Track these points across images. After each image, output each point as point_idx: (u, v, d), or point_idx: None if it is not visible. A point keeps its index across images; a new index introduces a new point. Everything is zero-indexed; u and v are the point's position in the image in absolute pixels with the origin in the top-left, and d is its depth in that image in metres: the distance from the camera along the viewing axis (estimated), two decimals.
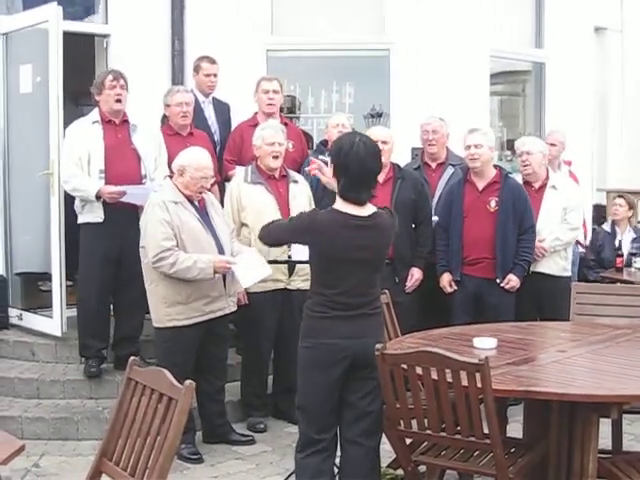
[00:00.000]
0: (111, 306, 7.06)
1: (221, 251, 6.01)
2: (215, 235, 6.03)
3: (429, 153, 7.47)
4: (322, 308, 4.61)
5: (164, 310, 5.95)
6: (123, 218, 6.61)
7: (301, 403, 4.76)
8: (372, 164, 4.55)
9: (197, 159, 5.97)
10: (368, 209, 4.60)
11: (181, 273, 5.81)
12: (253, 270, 6.01)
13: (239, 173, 6.78)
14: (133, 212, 6.61)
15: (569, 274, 7.32)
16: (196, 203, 6.02)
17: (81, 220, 6.78)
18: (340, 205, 4.59)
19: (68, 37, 7.28)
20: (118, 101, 6.68)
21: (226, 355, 6.48)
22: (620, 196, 9.10)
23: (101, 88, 6.69)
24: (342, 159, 4.54)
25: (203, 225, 5.98)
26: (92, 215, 6.66)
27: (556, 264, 7.12)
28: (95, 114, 6.76)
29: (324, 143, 7.39)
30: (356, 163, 4.49)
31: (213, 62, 7.66)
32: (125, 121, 6.80)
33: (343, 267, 4.54)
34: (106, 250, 6.68)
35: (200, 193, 5.99)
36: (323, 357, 4.59)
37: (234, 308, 6.24)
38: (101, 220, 6.64)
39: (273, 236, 4.89)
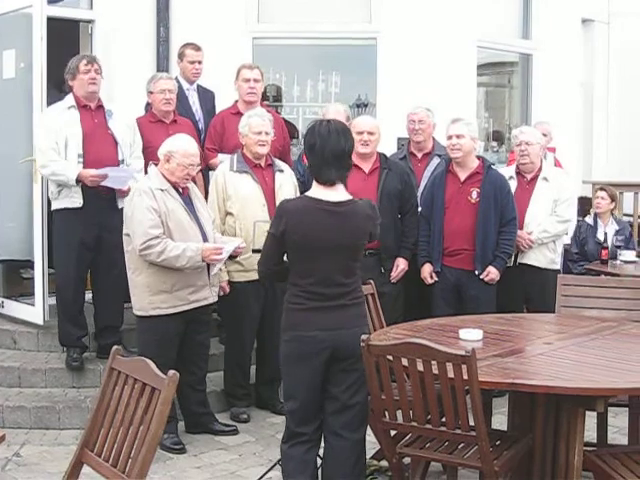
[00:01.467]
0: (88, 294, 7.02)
1: (205, 240, 5.98)
2: (199, 224, 6.00)
3: (415, 143, 7.44)
4: (299, 299, 4.58)
5: (148, 298, 5.91)
6: (102, 204, 6.57)
7: (285, 396, 4.76)
8: (338, 142, 4.53)
9: (184, 146, 5.94)
10: (341, 195, 4.58)
11: (169, 261, 5.78)
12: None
13: (225, 162, 6.73)
14: (111, 197, 6.59)
15: (557, 267, 7.32)
16: (180, 190, 5.98)
17: (56, 206, 6.71)
18: (312, 191, 4.60)
19: (52, 22, 7.21)
20: (93, 83, 6.62)
21: (208, 344, 6.46)
22: (602, 189, 9.10)
23: (75, 73, 6.61)
24: (308, 140, 4.60)
25: (189, 213, 5.95)
26: (70, 200, 6.58)
27: (544, 256, 7.11)
28: (70, 99, 6.68)
29: None
30: (321, 141, 4.51)
31: (198, 49, 7.60)
32: (100, 106, 6.75)
33: (315, 254, 4.50)
34: (84, 236, 6.63)
35: (186, 180, 5.95)
36: (303, 350, 4.57)
37: (216, 298, 6.22)
38: (80, 205, 6.57)
39: (264, 258, 4.73)
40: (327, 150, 4.52)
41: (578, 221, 9.57)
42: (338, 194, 4.57)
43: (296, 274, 4.61)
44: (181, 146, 5.93)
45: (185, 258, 5.76)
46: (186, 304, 5.95)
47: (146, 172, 6.52)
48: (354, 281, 4.67)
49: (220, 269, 6.15)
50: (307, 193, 4.65)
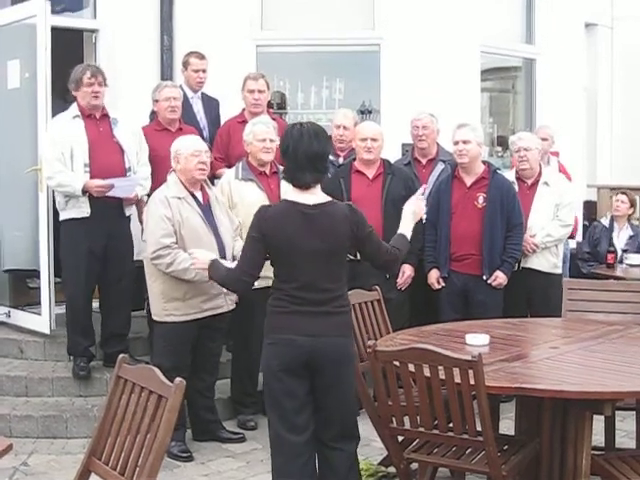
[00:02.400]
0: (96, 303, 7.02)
1: (222, 250, 5.97)
2: (217, 233, 6.01)
3: (419, 149, 7.44)
4: (281, 303, 4.51)
5: (162, 305, 5.95)
6: (109, 213, 6.60)
7: (268, 401, 4.62)
8: (310, 144, 4.46)
9: (186, 140, 6.06)
10: (320, 197, 4.54)
11: (177, 274, 5.82)
12: None
13: (230, 170, 6.74)
14: (118, 205, 6.61)
15: (560, 271, 7.31)
16: (200, 199, 6.01)
17: (64, 216, 6.72)
18: (289, 194, 4.57)
19: (56, 32, 7.24)
20: (96, 97, 6.63)
21: (220, 352, 6.49)
22: (623, 192, 9.10)
23: (79, 84, 6.62)
24: (281, 144, 4.59)
25: (205, 222, 5.96)
26: (77, 210, 6.60)
27: (547, 260, 7.11)
28: (74, 109, 6.70)
29: None
30: (292, 144, 4.47)
31: (202, 57, 7.61)
32: (105, 115, 6.76)
33: (296, 258, 4.45)
34: (92, 246, 6.64)
35: (202, 172, 5.96)
36: (283, 353, 4.47)
37: (232, 307, 6.20)
38: (87, 215, 6.58)
39: (246, 263, 4.60)
40: (300, 153, 4.45)
41: (585, 224, 9.59)
42: (315, 197, 4.52)
43: (279, 279, 4.55)
44: (183, 141, 6.05)
45: (193, 272, 5.75)
46: (199, 312, 5.97)
47: (153, 179, 6.55)
48: (339, 287, 4.57)
49: None
50: (285, 197, 4.62)
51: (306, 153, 4.45)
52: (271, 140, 6.50)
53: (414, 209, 4.99)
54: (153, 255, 5.82)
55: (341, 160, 7.27)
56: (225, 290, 5.95)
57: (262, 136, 6.48)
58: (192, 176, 5.94)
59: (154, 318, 6.08)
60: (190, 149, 5.95)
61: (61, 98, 7.37)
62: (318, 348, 4.43)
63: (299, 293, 4.46)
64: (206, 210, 6.03)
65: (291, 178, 4.54)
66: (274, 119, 7.03)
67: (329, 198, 4.58)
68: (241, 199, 6.44)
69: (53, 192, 6.91)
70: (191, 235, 5.87)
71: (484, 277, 6.71)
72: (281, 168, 6.63)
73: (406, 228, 4.92)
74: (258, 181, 6.51)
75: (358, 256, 4.82)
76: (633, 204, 9.05)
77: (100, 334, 6.98)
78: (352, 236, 4.54)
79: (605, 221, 9.09)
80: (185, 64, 7.66)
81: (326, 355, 4.44)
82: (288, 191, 4.65)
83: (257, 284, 6.35)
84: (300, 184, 4.50)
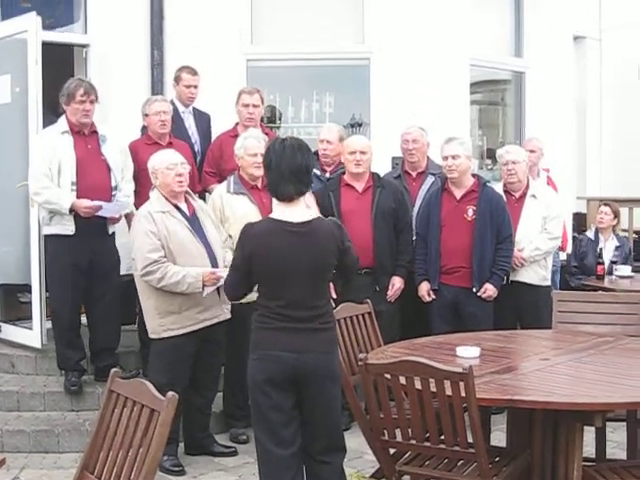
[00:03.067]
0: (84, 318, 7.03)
1: (213, 259, 5.99)
2: (207, 243, 6.02)
3: (409, 162, 7.46)
4: (266, 319, 4.52)
5: (158, 321, 5.94)
6: (93, 230, 6.60)
7: (254, 416, 4.63)
8: (294, 157, 4.50)
9: (160, 156, 6.06)
10: (304, 215, 4.55)
11: (170, 287, 5.81)
12: None
13: (221, 184, 6.75)
14: (102, 223, 6.64)
15: (549, 283, 7.33)
16: (185, 211, 6.01)
17: (48, 232, 6.73)
18: (274, 212, 4.58)
19: (47, 47, 7.25)
20: (86, 116, 6.64)
21: (220, 366, 6.48)
22: (606, 204, 9.13)
23: (70, 100, 6.62)
24: (264, 159, 4.64)
25: (193, 233, 5.96)
26: (62, 227, 6.60)
27: (536, 273, 7.13)
28: (63, 124, 6.70)
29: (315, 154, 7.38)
30: (275, 158, 4.50)
31: (194, 73, 7.61)
32: (94, 132, 6.76)
33: (282, 277, 4.46)
34: (77, 261, 6.63)
35: (180, 184, 5.95)
36: (269, 368, 4.49)
37: (229, 315, 6.19)
38: (72, 233, 6.58)
39: (231, 286, 4.74)
40: (283, 166, 4.48)
41: (574, 237, 9.61)
42: (300, 213, 4.53)
43: (264, 296, 4.56)
44: (158, 157, 6.04)
45: (185, 284, 5.77)
46: (195, 323, 5.96)
47: (142, 194, 6.54)
48: (324, 304, 4.60)
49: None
50: (270, 215, 4.62)
51: (289, 166, 4.48)
52: (262, 155, 6.50)
53: None
54: (143, 272, 5.81)
55: (327, 175, 7.27)
56: (220, 299, 5.97)
57: (253, 151, 6.49)
58: (171, 189, 5.94)
59: (151, 336, 6.04)
60: (164, 163, 5.95)
61: (52, 113, 7.38)
62: (303, 364, 4.45)
63: (285, 311, 4.48)
64: (193, 221, 6.03)
65: (274, 191, 4.56)
66: (267, 133, 7.05)
67: (314, 214, 4.62)
68: (233, 213, 6.46)
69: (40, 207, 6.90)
70: (179, 248, 5.87)
71: (474, 289, 6.73)
72: None
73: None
74: (250, 195, 6.52)
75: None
76: (617, 215, 9.08)
77: (89, 349, 6.97)
78: (337, 252, 4.58)
79: (590, 233, 9.12)
80: (177, 79, 7.66)
81: (311, 371, 4.46)
82: (273, 207, 4.66)
83: (250, 298, 6.42)
84: (284, 197, 4.52)
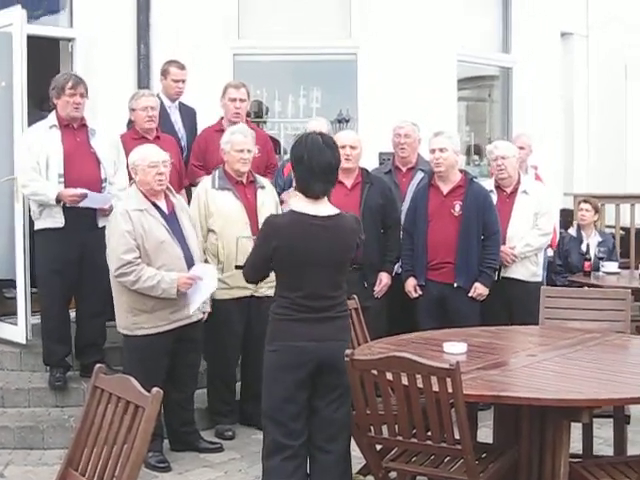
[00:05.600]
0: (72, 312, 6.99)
1: (189, 259, 5.95)
2: (184, 243, 5.96)
3: (400, 157, 7.45)
4: (286, 311, 4.60)
5: (131, 319, 5.90)
6: (83, 223, 6.55)
7: (267, 408, 4.72)
8: (324, 155, 4.54)
9: (142, 152, 5.97)
10: (328, 209, 4.61)
11: (143, 291, 5.78)
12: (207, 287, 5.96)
13: (206, 178, 6.72)
14: (92, 215, 6.57)
15: (540, 279, 7.34)
16: (163, 208, 5.95)
17: (39, 226, 6.68)
18: (299, 205, 4.61)
19: (32, 40, 7.19)
20: (76, 109, 6.60)
21: (198, 363, 6.44)
22: (586, 201, 9.13)
23: (60, 93, 6.58)
24: (294, 152, 4.63)
25: (170, 233, 5.89)
26: (51, 220, 6.56)
27: (527, 269, 7.13)
28: (53, 118, 6.66)
29: None
30: (307, 154, 4.53)
31: (182, 68, 7.57)
32: (83, 125, 6.72)
33: (304, 268, 4.54)
34: (67, 255, 6.59)
35: (161, 183, 5.89)
36: (289, 360, 4.58)
37: (201, 316, 6.18)
38: (61, 225, 6.54)
39: (249, 266, 4.82)
40: (314, 162, 4.52)
41: (560, 233, 9.61)
42: (325, 208, 4.60)
43: (285, 287, 4.63)
44: (140, 153, 5.96)
45: (159, 289, 5.75)
46: (168, 324, 5.91)
47: None
48: (340, 294, 4.71)
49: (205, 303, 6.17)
50: (293, 208, 4.64)
51: (319, 163, 4.52)
52: (248, 151, 6.49)
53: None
54: (117, 272, 5.77)
55: None
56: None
57: (240, 146, 6.46)
58: (151, 187, 5.88)
59: (123, 332, 6.00)
60: (146, 160, 5.86)
61: (37, 107, 7.34)
62: (322, 352, 4.56)
63: (304, 301, 4.57)
64: (171, 219, 5.96)
65: (304, 188, 4.59)
66: (253, 128, 7.02)
67: (337, 210, 4.66)
68: (217, 208, 6.43)
69: (29, 201, 6.86)
70: (155, 248, 5.81)
71: (455, 285, 6.72)
72: (258, 177, 6.66)
73: None
74: (235, 190, 6.49)
75: None
76: (597, 210, 9.09)
77: (75, 344, 6.94)
78: (356, 246, 4.72)
79: (572, 231, 9.13)
80: (164, 73, 7.61)
81: (332, 359, 4.54)
82: (294, 202, 4.69)
83: (234, 294, 6.43)
84: (312, 194, 4.57)
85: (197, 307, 5.94)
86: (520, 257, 7.05)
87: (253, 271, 4.84)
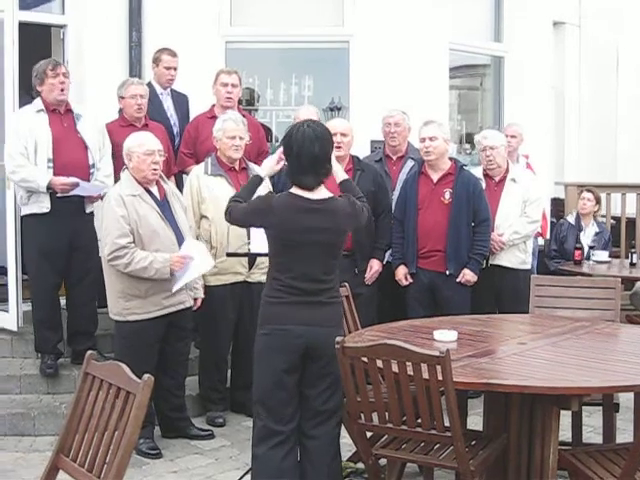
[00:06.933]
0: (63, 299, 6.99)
1: (181, 244, 5.94)
2: (176, 228, 5.97)
3: (390, 146, 7.46)
4: (277, 294, 4.63)
5: (123, 304, 5.90)
6: (70, 208, 6.53)
7: (258, 393, 4.74)
8: (315, 148, 4.55)
9: (139, 139, 5.96)
10: (322, 193, 4.64)
11: (136, 273, 5.77)
12: (197, 268, 5.95)
13: (199, 165, 6.72)
14: (79, 201, 6.57)
15: (528, 267, 7.36)
16: (156, 194, 5.95)
17: (26, 211, 6.66)
18: (294, 189, 4.64)
19: (24, 27, 7.17)
20: (62, 90, 6.58)
21: (188, 350, 6.46)
22: (589, 190, 9.16)
23: (43, 78, 6.56)
24: (286, 142, 4.63)
25: (163, 218, 5.91)
26: (38, 206, 6.53)
27: (515, 257, 7.15)
28: (39, 103, 6.64)
29: None
30: (298, 145, 4.55)
31: (174, 55, 7.56)
32: (69, 110, 6.70)
33: (296, 250, 4.57)
34: (55, 242, 6.58)
35: (154, 172, 5.89)
36: (279, 343, 4.61)
37: (192, 302, 6.19)
38: (47, 210, 6.52)
39: (232, 216, 4.81)
40: (302, 156, 4.56)
41: (552, 222, 9.64)
42: (318, 193, 4.63)
43: (277, 268, 4.66)
44: (136, 139, 5.94)
45: (152, 270, 5.75)
46: (160, 309, 5.92)
47: (117, 176, 6.47)
48: (332, 279, 4.72)
49: (196, 286, 6.16)
50: (290, 190, 4.67)
51: (308, 157, 4.55)
52: (241, 138, 6.50)
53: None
54: (110, 256, 5.76)
55: None
56: (185, 285, 5.94)
57: (232, 133, 6.47)
58: (144, 176, 5.88)
59: (115, 318, 6.01)
60: (142, 148, 5.85)
61: (28, 94, 7.31)
62: (312, 336, 4.58)
63: (295, 283, 4.59)
64: (163, 205, 5.97)
65: (295, 180, 4.63)
66: (244, 115, 7.02)
67: (331, 194, 4.69)
68: (210, 194, 6.44)
69: (16, 187, 6.84)
70: (149, 233, 5.82)
71: (447, 272, 6.73)
72: (250, 164, 6.66)
73: (340, 172, 5.02)
74: (227, 176, 6.50)
75: None
76: (598, 201, 9.13)
77: (67, 331, 6.93)
78: (350, 230, 4.81)
79: (571, 218, 9.15)
80: (156, 60, 7.60)
81: (321, 345, 4.57)
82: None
83: (226, 280, 6.44)
84: (303, 186, 4.61)
85: (181, 286, 5.92)
86: (508, 244, 7.07)
87: (232, 218, 4.80)
